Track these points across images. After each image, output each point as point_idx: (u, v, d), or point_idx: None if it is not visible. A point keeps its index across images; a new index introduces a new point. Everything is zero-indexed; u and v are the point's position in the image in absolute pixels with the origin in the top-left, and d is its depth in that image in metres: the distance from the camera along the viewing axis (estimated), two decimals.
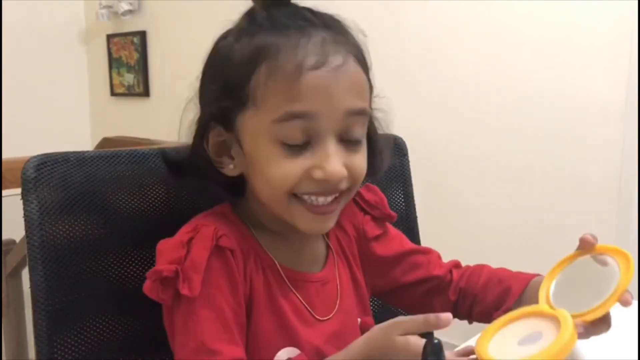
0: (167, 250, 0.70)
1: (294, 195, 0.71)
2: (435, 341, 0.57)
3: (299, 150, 0.69)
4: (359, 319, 0.82)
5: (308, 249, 0.81)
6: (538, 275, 0.85)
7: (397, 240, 0.90)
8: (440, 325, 0.64)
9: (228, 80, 0.71)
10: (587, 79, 2.01)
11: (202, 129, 0.73)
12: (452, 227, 2.32)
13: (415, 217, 1.07)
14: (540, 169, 2.13)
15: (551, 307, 0.70)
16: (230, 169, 0.74)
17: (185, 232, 0.71)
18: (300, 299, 0.76)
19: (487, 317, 0.84)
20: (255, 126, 0.70)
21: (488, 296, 0.86)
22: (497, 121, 2.22)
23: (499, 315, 0.82)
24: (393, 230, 0.90)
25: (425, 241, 1.02)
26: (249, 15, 0.74)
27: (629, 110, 1.92)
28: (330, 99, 0.68)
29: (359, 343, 0.68)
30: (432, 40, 2.34)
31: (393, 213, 0.88)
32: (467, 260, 0.92)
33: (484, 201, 2.29)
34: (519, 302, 0.82)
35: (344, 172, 0.70)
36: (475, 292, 0.87)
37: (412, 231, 1.06)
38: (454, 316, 0.86)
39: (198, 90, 0.77)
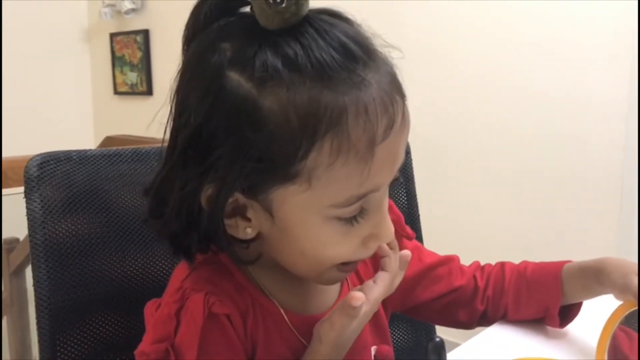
0: (154, 324, 0.62)
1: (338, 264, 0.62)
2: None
3: (352, 219, 0.58)
4: (373, 348, 0.74)
5: (318, 288, 0.71)
6: (565, 263, 0.80)
7: (415, 256, 0.80)
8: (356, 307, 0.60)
9: (263, 153, 0.53)
10: (589, 77, 2.00)
11: (221, 204, 0.56)
12: (454, 226, 2.32)
13: (418, 216, 1.07)
14: (542, 167, 2.13)
15: None
16: (246, 232, 0.59)
17: (172, 301, 0.61)
18: (307, 343, 0.66)
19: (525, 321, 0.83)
20: (304, 203, 0.56)
21: (522, 308, 0.82)
22: (499, 120, 2.22)
23: (549, 323, 0.82)
24: (410, 244, 0.80)
25: (428, 240, 1.02)
26: (253, 34, 0.55)
27: (631, 108, 1.92)
28: (395, 163, 0.57)
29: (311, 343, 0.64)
30: (432, 39, 2.33)
31: (411, 231, 0.77)
32: (468, 259, 0.92)
33: (486, 199, 2.29)
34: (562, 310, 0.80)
35: (393, 229, 0.61)
36: (505, 301, 0.83)
37: (414, 230, 1.06)
38: (482, 323, 0.85)
39: (184, 128, 0.57)
